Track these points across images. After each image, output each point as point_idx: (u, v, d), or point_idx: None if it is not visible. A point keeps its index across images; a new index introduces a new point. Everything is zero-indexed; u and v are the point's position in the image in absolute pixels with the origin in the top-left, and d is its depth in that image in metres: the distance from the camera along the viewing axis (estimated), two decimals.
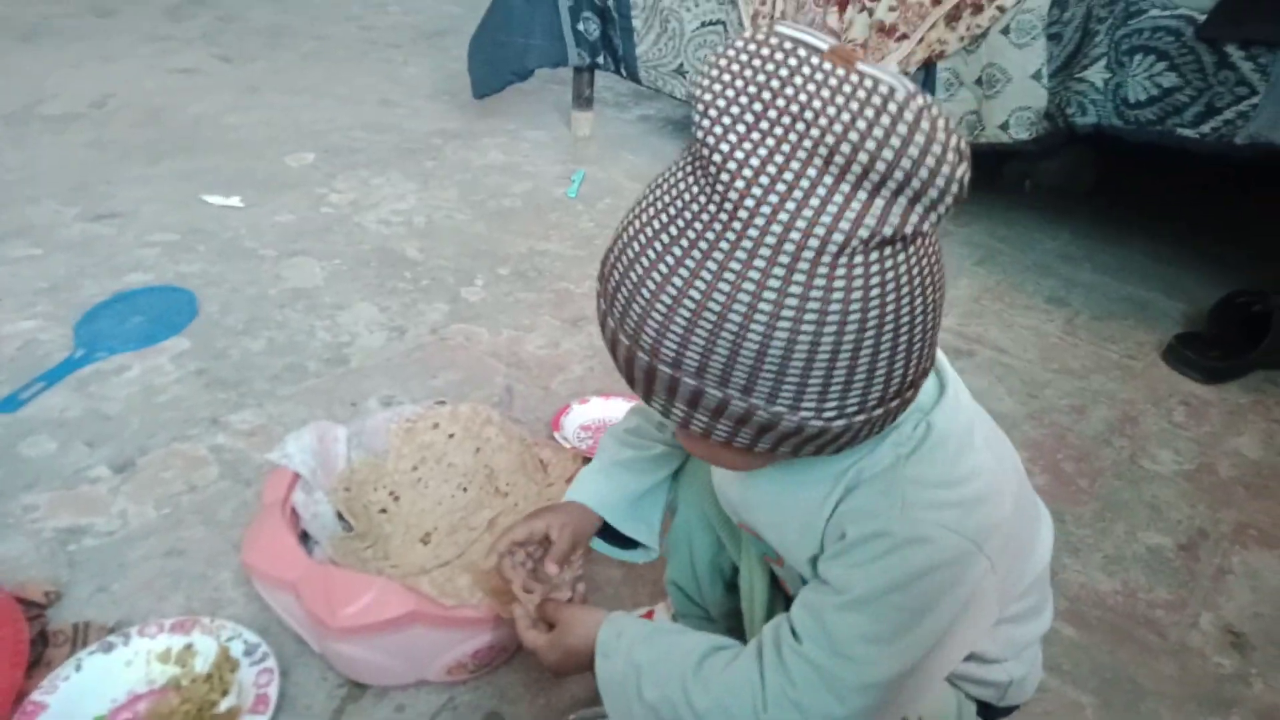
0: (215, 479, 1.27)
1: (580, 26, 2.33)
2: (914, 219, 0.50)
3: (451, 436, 1.19)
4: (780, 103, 0.49)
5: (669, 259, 0.53)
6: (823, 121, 0.48)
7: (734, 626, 0.94)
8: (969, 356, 1.71)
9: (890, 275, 0.52)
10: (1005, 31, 1.75)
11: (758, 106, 0.50)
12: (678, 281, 0.52)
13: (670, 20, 2.19)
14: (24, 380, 1.42)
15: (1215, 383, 1.68)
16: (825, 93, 0.48)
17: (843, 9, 1.94)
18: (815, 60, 0.49)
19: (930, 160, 0.48)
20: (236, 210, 2.01)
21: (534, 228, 2.05)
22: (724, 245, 0.51)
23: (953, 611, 0.62)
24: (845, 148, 0.48)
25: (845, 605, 0.62)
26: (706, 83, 0.51)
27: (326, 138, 2.41)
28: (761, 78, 0.50)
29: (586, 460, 1.31)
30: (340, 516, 1.11)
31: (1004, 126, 1.82)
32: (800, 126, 0.49)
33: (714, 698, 0.64)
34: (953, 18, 1.80)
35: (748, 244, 0.50)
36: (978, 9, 1.76)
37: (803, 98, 0.49)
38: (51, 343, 1.52)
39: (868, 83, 0.48)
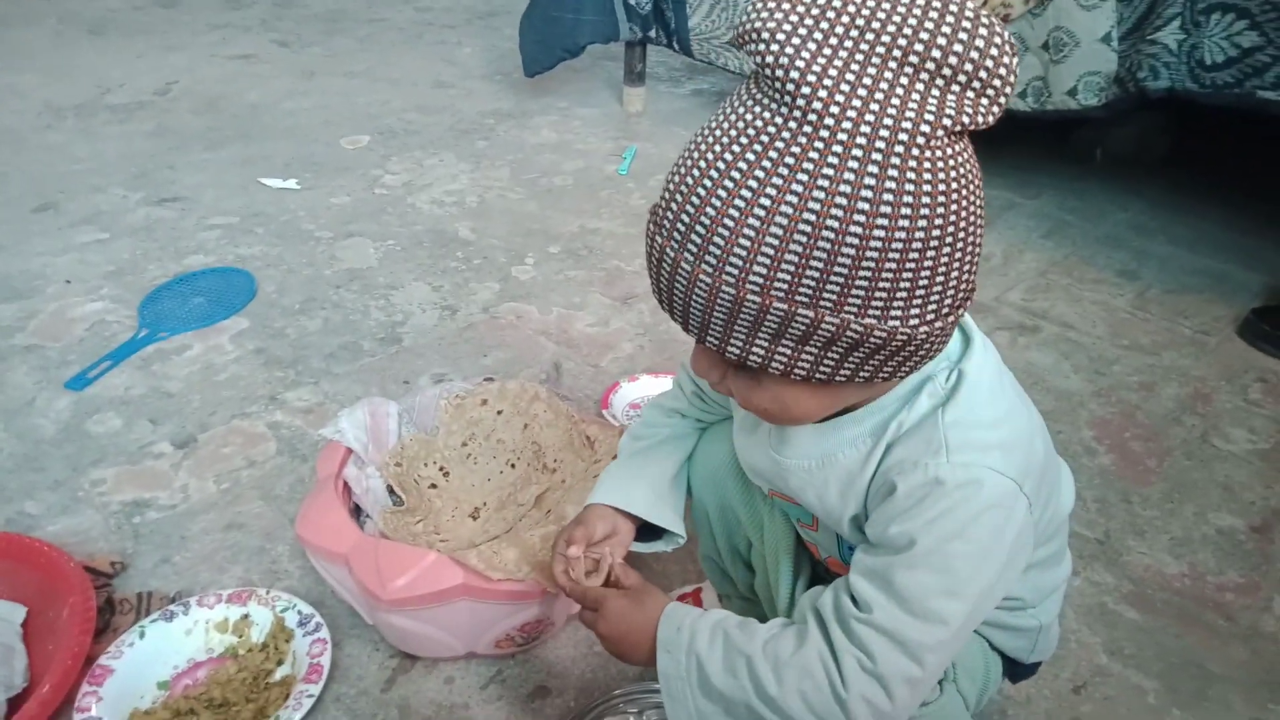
0: (273, 455, 1.30)
1: (632, 0, 2.30)
2: (981, 110, 0.52)
3: (500, 413, 1.19)
4: (841, 15, 0.51)
5: (753, 181, 0.52)
6: (882, 23, 0.50)
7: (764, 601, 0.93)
8: (1034, 332, 1.65)
9: (962, 167, 0.53)
10: None
11: (823, 22, 0.51)
12: (765, 201, 0.52)
13: None
14: (91, 360, 1.47)
15: None
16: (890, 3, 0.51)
17: None
18: None
19: (993, 51, 0.51)
20: (294, 193, 2.04)
21: (585, 205, 2.05)
22: (813, 155, 0.51)
23: (1005, 553, 0.63)
24: (912, 44, 0.50)
25: (911, 562, 0.61)
26: (767, 11, 0.52)
27: (381, 120, 2.43)
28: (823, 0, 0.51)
29: None
30: (391, 491, 1.12)
31: (1072, 93, 1.75)
32: (863, 30, 0.51)
33: (788, 684, 0.63)
34: None
35: (837, 148, 0.50)
36: None
37: (867, 5, 0.51)
38: (117, 324, 1.57)
39: None
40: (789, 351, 0.57)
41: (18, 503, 1.21)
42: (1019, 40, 1.78)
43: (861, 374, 0.59)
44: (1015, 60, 0.52)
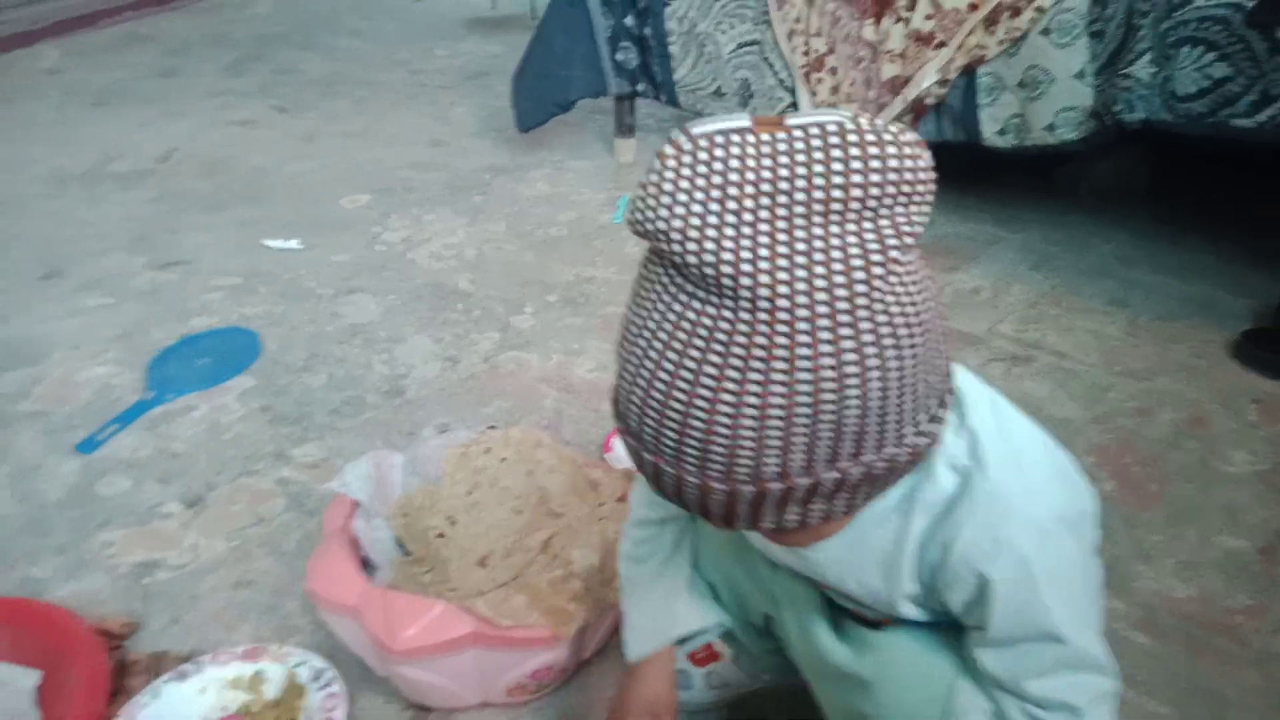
0: (281, 511, 1.31)
1: (619, 56, 2.37)
2: (916, 219, 0.51)
3: (504, 460, 1.20)
4: (744, 187, 0.49)
5: (730, 385, 0.51)
6: (789, 183, 0.49)
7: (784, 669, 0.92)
8: (1027, 363, 1.67)
9: (913, 275, 0.53)
10: (1045, 32, 1.73)
11: (729, 202, 0.49)
12: (753, 401, 0.51)
13: (707, 44, 2.21)
14: (99, 423, 1.48)
15: None
16: (775, 160, 0.49)
17: (878, 20, 1.94)
18: (749, 138, 0.50)
19: (906, 162, 0.50)
20: (296, 252, 2.08)
21: (580, 254, 2.08)
22: (781, 340, 0.50)
23: (1096, 551, 0.66)
24: (828, 191, 0.49)
25: (1065, 635, 0.63)
26: (665, 210, 0.50)
27: (379, 179, 2.48)
28: (718, 179, 0.49)
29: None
30: (399, 542, 1.13)
31: (1050, 128, 1.79)
32: (773, 196, 0.49)
33: None
34: (991, 22, 1.79)
35: (802, 325, 0.49)
36: (1016, 12, 1.75)
37: (763, 174, 0.49)
38: (124, 386, 1.59)
39: (798, 131, 0.50)
40: (823, 505, 0.57)
41: (25, 567, 1.22)
42: (996, 80, 1.83)
43: (888, 487, 0.59)
44: (927, 157, 0.51)
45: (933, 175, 0.51)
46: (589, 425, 1.50)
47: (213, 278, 1.96)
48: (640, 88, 2.41)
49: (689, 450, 0.54)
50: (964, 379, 0.67)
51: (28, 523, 1.29)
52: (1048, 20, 1.72)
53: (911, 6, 1.88)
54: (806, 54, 2.08)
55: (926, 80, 1.90)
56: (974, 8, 1.80)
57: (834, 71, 2.05)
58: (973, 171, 2.32)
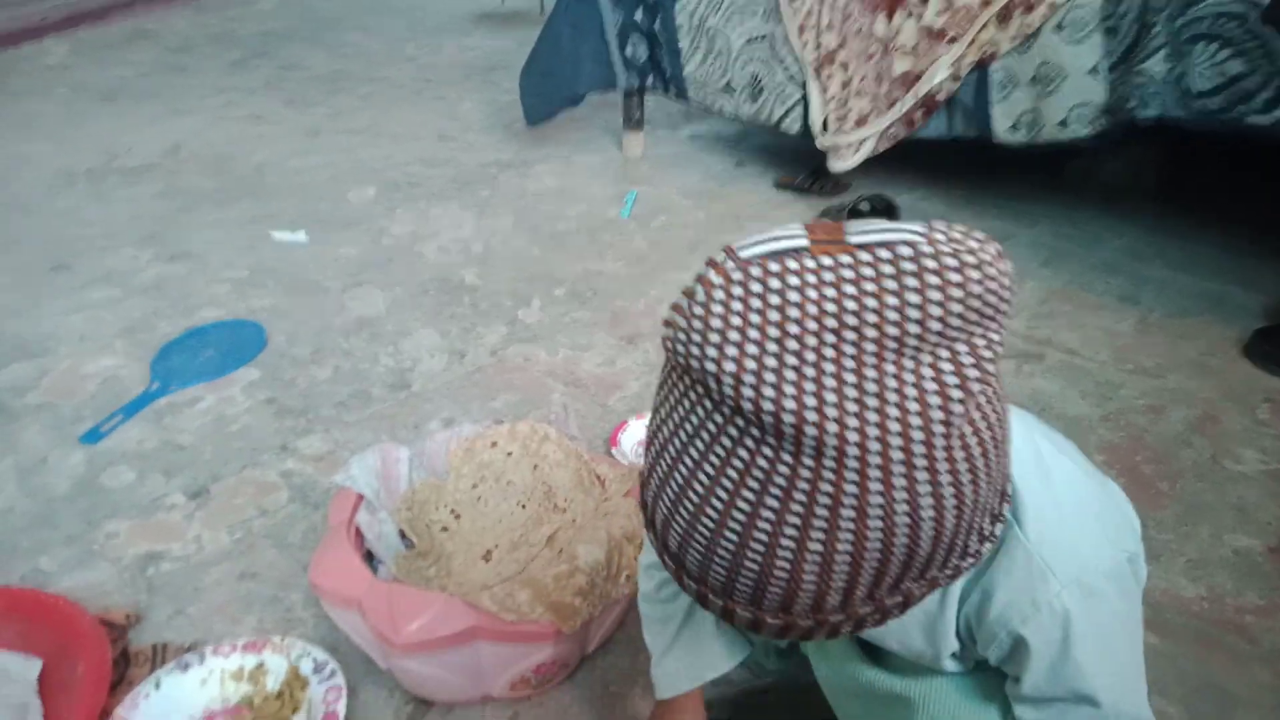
0: (285, 504, 1.31)
1: (628, 50, 2.36)
2: (994, 341, 0.46)
3: (510, 455, 1.20)
4: (805, 322, 0.43)
5: (790, 530, 0.46)
6: (857, 318, 0.43)
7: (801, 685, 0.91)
8: (1038, 360, 1.66)
9: (992, 391, 0.48)
10: (1058, 28, 1.72)
11: (789, 341, 0.43)
12: (817, 548, 0.47)
13: (716, 39, 2.20)
14: (104, 415, 1.48)
15: None
16: (839, 290, 0.43)
17: (890, 15, 1.93)
18: (807, 262, 0.44)
19: (975, 285, 0.44)
20: (302, 246, 2.08)
21: (588, 249, 2.08)
22: (849, 489, 0.45)
23: (1140, 601, 0.64)
24: (903, 325, 0.43)
25: (1101, 699, 0.61)
26: (715, 350, 0.44)
27: (386, 174, 2.48)
28: (774, 315, 0.43)
29: None
30: (403, 535, 1.12)
31: (1063, 124, 1.78)
32: (838, 334, 0.43)
33: None
34: (1003, 18, 1.77)
35: (874, 472, 0.45)
36: (1029, 8, 1.73)
37: (826, 307, 0.43)
38: (129, 378, 1.59)
39: (864, 255, 0.44)
40: (879, 618, 0.54)
41: (31, 559, 1.21)
42: (1008, 75, 1.82)
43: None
44: (1008, 269, 0.45)
45: (1009, 281, 0.45)
46: (595, 420, 1.49)
47: (219, 271, 1.96)
48: (649, 82, 2.41)
49: (741, 588, 0.50)
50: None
51: (34, 514, 1.29)
52: (1061, 16, 1.70)
53: (924, 1, 1.87)
54: (817, 49, 2.06)
55: (938, 76, 1.89)
56: (986, 4, 1.78)
57: (845, 66, 2.03)
58: (983, 167, 2.31)
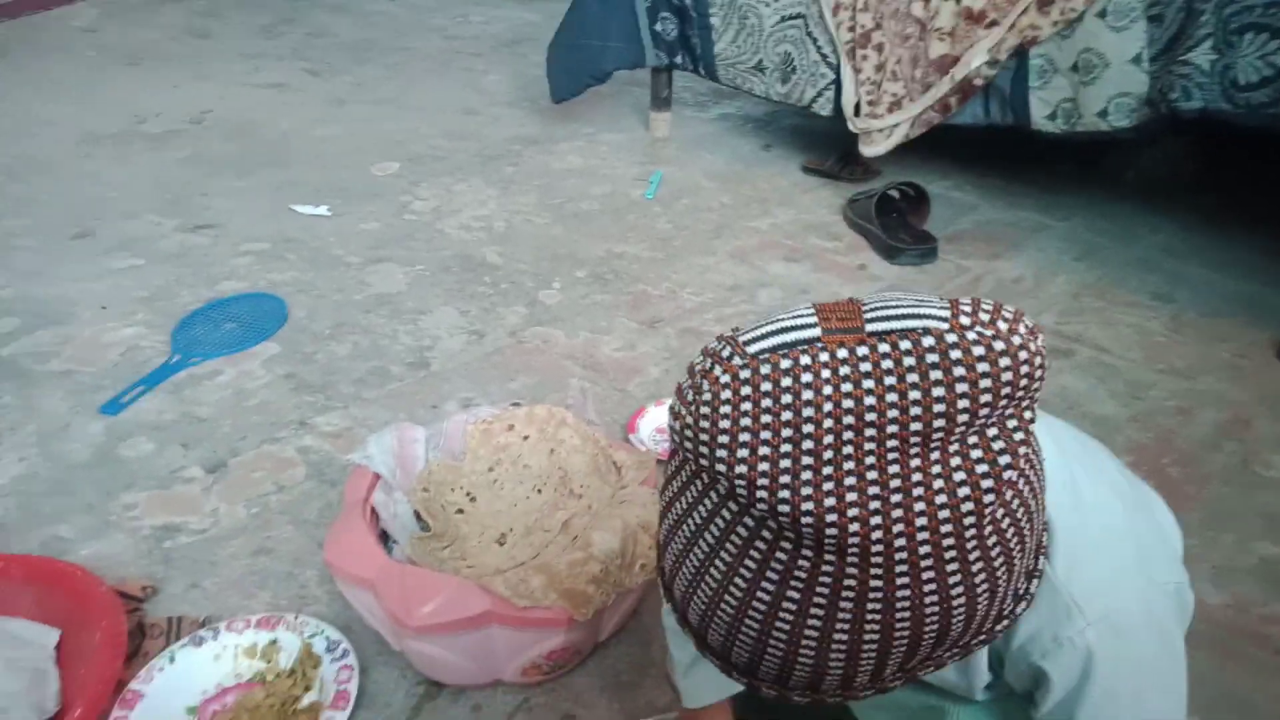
0: (302, 480, 1.31)
1: (658, 27, 2.32)
2: (1026, 412, 0.44)
3: (526, 438, 1.19)
4: (822, 422, 0.41)
5: (843, 626, 0.45)
6: (877, 414, 0.41)
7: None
8: (1067, 356, 1.63)
9: (1024, 462, 0.46)
10: (1102, 15, 1.67)
11: (805, 442, 0.41)
12: (872, 639, 0.45)
13: (749, 16, 2.16)
14: (124, 385, 1.49)
15: None
16: (858, 386, 0.41)
17: None
18: (820, 356, 0.41)
19: (1006, 372, 0.41)
20: (324, 219, 2.07)
21: (611, 230, 2.05)
22: (877, 580, 0.43)
23: (1180, 637, 0.60)
24: (915, 425, 0.41)
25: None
26: (725, 452, 0.42)
27: (410, 147, 2.46)
28: (788, 415, 0.41)
29: (661, 463, 1.30)
30: (419, 516, 1.12)
31: (1102, 114, 1.73)
32: (858, 431, 0.41)
33: None
34: (1045, 2, 1.73)
35: (902, 568, 0.43)
36: None
37: (844, 404, 0.41)
38: (150, 349, 1.59)
39: (884, 346, 0.41)
40: (907, 680, 0.53)
41: (51, 526, 1.22)
42: (1048, 62, 1.77)
43: None
44: (1040, 347, 0.43)
45: (1045, 364, 0.43)
46: (614, 405, 1.48)
47: (241, 242, 1.96)
48: (678, 60, 2.37)
49: (766, 672, 0.49)
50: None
51: (55, 481, 1.30)
52: (1105, 2, 1.65)
53: None
54: (852, 29, 2.02)
55: (976, 60, 1.84)
56: None
57: (880, 48, 1.99)
58: (1018, 156, 2.26)
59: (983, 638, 0.51)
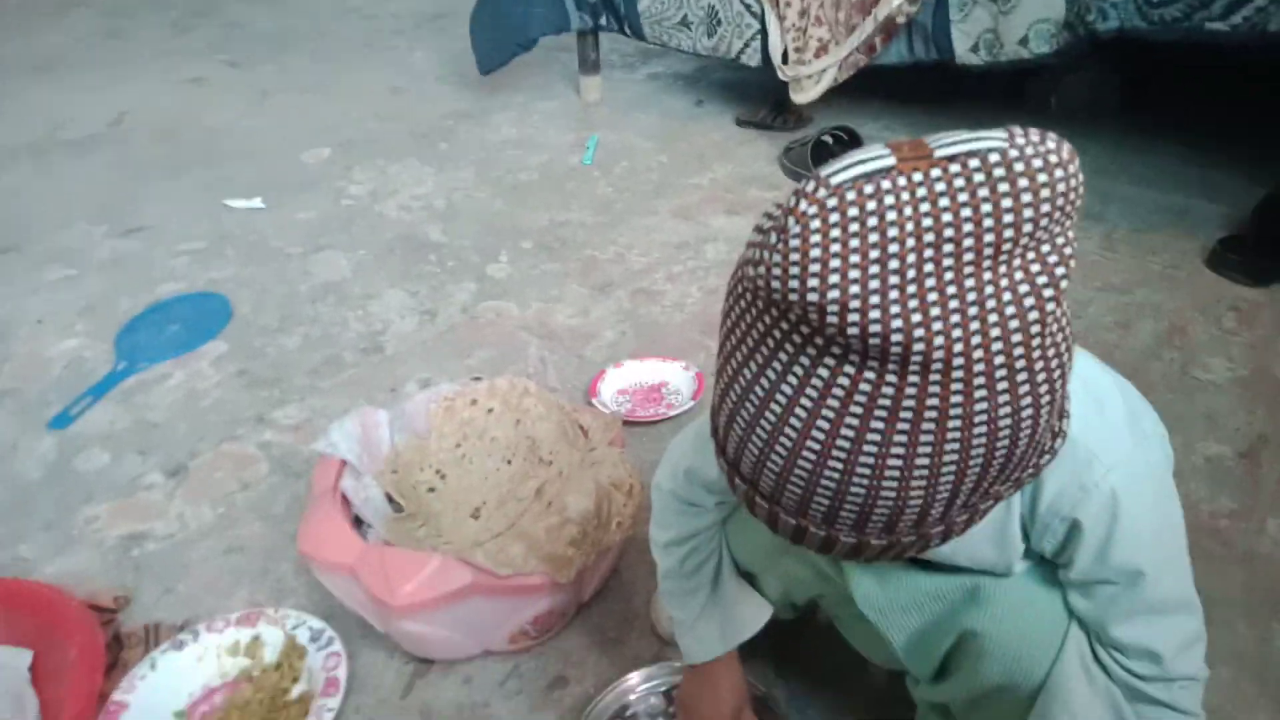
0: (266, 475, 1.29)
1: None
2: (1071, 240, 0.47)
3: (491, 411, 1.19)
4: (906, 240, 0.43)
5: (898, 449, 0.47)
6: (950, 233, 0.43)
7: None
8: None
9: (1070, 271, 0.48)
10: None
11: (894, 264, 0.43)
12: (923, 462, 0.48)
13: None
14: (71, 398, 1.45)
15: (1264, 284, 1.63)
16: (935, 204, 0.43)
17: None
18: (899, 180, 0.43)
19: (1060, 184, 0.44)
20: (260, 212, 2.02)
21: (553, 199, 2.04)
22: (956, 399, 0.46)
23: (1173, 484, 0.65)
24: (988, 237, 0.44)
25: (1149, 573, 0.62)
26: (816, 280, 0.44)
27: (340, 132, 2.41)
28: (874, 238, 0.43)
29: (626, 424, 1.31)
30: (390, 499, 1.12)
31: (1023, 42, 1.76)
32: (938, 250, 0.44)
33: None
34: None
35: (979, 381, 0.46)
36: None
37: (924, 222, 0.43)
38: (94, 359, 1.55)
39: (955, 166, 0.44)
40: (968, 520, 0.55)
41: (10, 548, 1.19)
42: None
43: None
44: (1077, 164, 0.45)
45: (1075, 168, 0.46)
46: (573, 372, 1.48)
47: (177, 243, 1.91)
48: (603, 21, 2.35)
49: (845, 515, 0.51)
50: None
51: (9, 503, 1.27)
52: None
53: None
54: None
55: None
56: None
57: None
58: (943, 89, 2.29)
59: (1030, 470, 0.54)
